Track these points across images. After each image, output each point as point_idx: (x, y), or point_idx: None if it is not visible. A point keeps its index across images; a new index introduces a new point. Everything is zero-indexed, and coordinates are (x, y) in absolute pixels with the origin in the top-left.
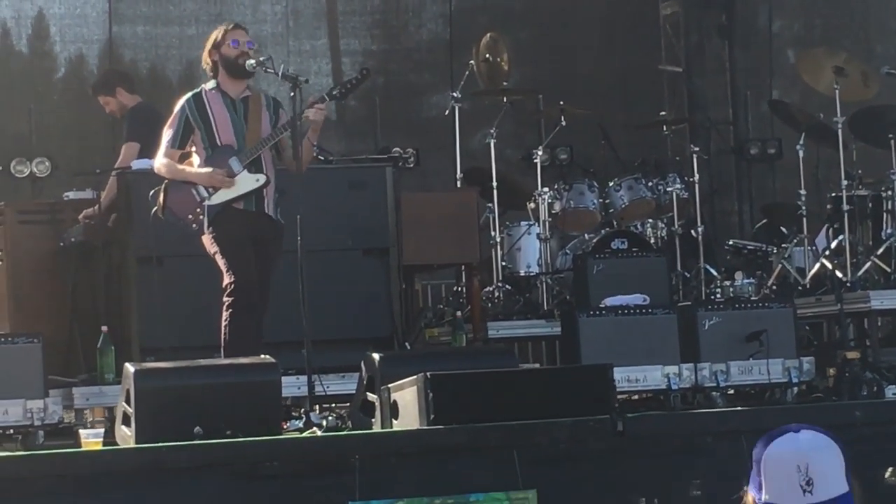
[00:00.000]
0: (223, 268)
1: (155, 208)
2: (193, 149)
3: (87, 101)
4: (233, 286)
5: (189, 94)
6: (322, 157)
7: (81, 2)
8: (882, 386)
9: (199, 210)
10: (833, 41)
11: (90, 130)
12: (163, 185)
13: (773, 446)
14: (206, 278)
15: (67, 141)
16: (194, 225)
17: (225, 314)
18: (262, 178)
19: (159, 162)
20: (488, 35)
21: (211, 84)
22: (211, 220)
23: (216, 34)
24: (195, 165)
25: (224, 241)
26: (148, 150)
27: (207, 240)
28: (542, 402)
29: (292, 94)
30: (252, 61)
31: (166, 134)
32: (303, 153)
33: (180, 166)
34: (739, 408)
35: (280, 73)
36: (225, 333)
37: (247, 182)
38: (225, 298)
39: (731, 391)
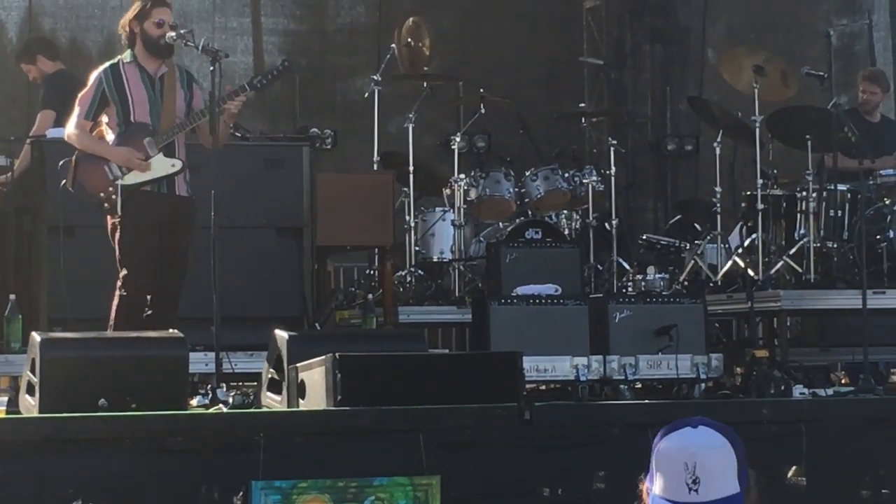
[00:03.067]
0: (118, 257)
1: (64, 181)
2: (105, 120)
3: (3, 68)
4: (123, 281)
5: (106, 65)
6: (239, 135)
7: None
8: (790, 385)
9: (111, 189)
10: (755, 41)
11: (6, 97)
12: (73, 157)
13: (667, 440)
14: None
15: None
16: (106, 204)
17: (115, 302)
18: (177, 164)
19: (71, 131)
20: (411, 20)
21: (128, 56)
22: (122, 201)
23: (141, 4)
24: (106, 138)
25: (126, 232)
26: (63, 118)
27: (112, 222)
28: (450, 388)
29: (212, 68)
30: (172, 34)
31: (80, 104)
32: (219, 132)
33: (95, 140)
34: (647, 401)
35: (200, 47)
36: (112, 319)
37: (162, 166)
38: (117, 290)
39: (639, 385)
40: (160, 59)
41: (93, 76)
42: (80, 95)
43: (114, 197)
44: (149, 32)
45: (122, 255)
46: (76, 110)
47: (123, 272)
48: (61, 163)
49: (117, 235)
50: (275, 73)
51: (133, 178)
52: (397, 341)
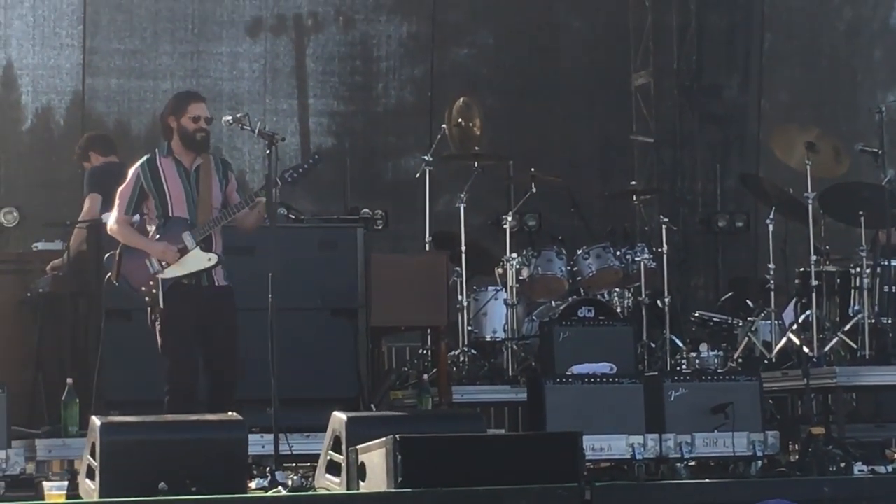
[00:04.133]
0: (161, 350)
1: (109, 274)
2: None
3: (55, 152)
4: (169, 373)
5: (143, 160)
6: (293, 216)
7: (55, 53)
8: (851, 463)
9: (152, 283)
10: (801, 117)
11: (58, 181)
12: (118, 251)
13: None
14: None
15: (35, 191)
16: (147, 298)
17: (166, 397)
18: (213, 258)
19: (112, 225)
20: (461, 99)
21: (164, 149)
22: (164, 295)
23: (176, 100)
24: (149, 232)
25: (166, 324)
26: (110, 202)
27: (151, 316)
28: (510, 468)
29: (268, 151)
30: (229, 117)
31: (120, 198)
32: (251, 221)
33: (135, 233)
34: (706, 480)
35: (256, 131)
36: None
37: (199, 260)
38: (165, 385)
39: (694, 463)
40: (196, 154)
41: (131, 171)
42: (119, 190)
43: (154, 291)
44: (185, 127)
45: (163, 347)
46: (116, 204)
47: (168, 364)
48: (107, 255)
49: (157, 327)
50: (306, 167)
51: (172, 271)
52: (455, 422)
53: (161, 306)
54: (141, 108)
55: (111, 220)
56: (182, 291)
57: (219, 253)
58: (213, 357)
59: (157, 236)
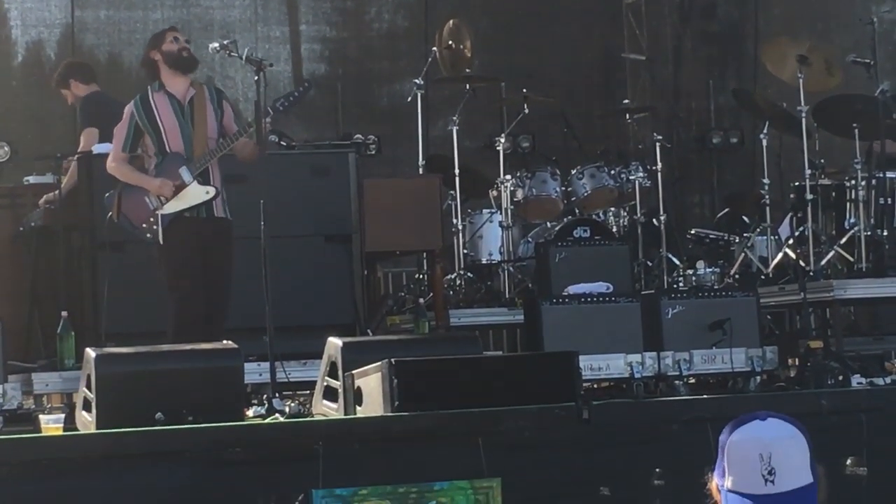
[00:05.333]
0: (168, 285)
1: (110, 213)
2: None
3: (47, 87)
4: (175, 311)
5: (136, 98)
6: (284, 143)
7: None
8: (848, 375)
9: (152, 220)
10: (793, 31)
11: (50, 115)
12: (118, 190)
13: (738, 433)
14: (157, 267)
15: (27, 125)
16: (149, 234)
17: (170, 331)
18: (211, 191)
19: (110, 164)
20: (451, 22)
21: (156, 85)
22: (164, 230)
23: (153, 37)
24: (147, 166)
25: (171, 259)
26: (106, 135)
27: (159, 252)
28: (507, 390)
29: (256, 78)
30: (216, 44)
31: (116, 137)
32: (249, 150)
33: (133, 170)
34: (704, 396)
35: (244, 57)
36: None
37: (197, 194)
38: (169, 316)
39: (693, 380)
40: (186, 75)
41: (126, 110)
42: (116, 128)
43: (155, 227)
44: (169, 51)
45: (170, 282)
46: (114, 143)
47: (172, 297)
48: (107, 194)
49: (164, 265)
50: (296, 95)
51: (171, 206)
52: (452, 345)
53: (161, 242)
54: (132, 38)
55: (109, 158)
56: (183, 225)
57: (217, 185)
58: (208, 286)
59: (155, 174)
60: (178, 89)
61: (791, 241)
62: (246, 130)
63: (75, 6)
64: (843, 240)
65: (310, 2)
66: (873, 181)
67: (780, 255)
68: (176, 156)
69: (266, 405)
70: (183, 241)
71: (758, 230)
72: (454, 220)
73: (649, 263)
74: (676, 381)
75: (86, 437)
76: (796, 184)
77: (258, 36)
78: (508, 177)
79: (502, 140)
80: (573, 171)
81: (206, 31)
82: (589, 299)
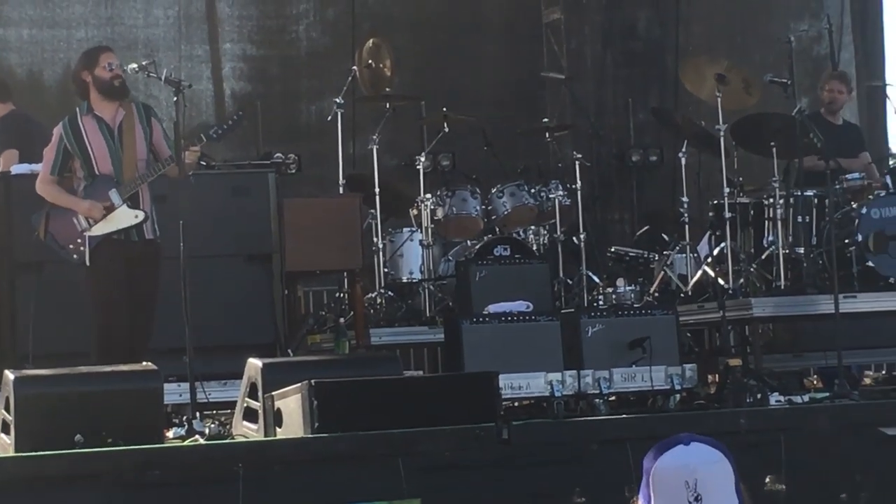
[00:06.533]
0: (91, 308)
1: (36, 232)
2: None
3: None
4: (97, 334)
5: (65, 120)
6: (204, 163)
7: None
8: (766, 393)
9: (80, 241)
10: (713, 49)
11: None
12: (45, 209)
13: (663, 459)
14: (82, 288)
15: None
16: (75, 255)
17: (92, 353)
18: (140, 215)
19: (40, 185)
20: (371, 41)
21: (84, 108)
22: (91, 251)
23: (85, 54)
24: (76, 188)
25: (97, 282)
26: (26, 155)
27: (84, 273)
28: (427, 410)
29: (175, 98)
30: (135, 65)
31: (45, 159)
32: (175, 170)
33: (61, 191)
34: (624, 415)
35: (163, 78)
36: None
37: (126, 217)
38: (92, 337)
39: (613, 398)
40: (116, 102)
41: (54, 131)
42: (45, 150)
43: (82, 248)
44: (100, 77)
45: (95, 304)
46: (43, 165)
47: (97, 322)
48: (34, 214)
49: (89, 288)
50: (230, 124)
51: (100, 228)
52: (372, 365)
53: (87, 263)
54: (54, 58)
55: (38, 179)
56: (111, 247)
57: (146, 209)
58: (132, 308)
59: (84, 196)
60: (107, 113)
61: (710, 259)
62: (171, 160)
63: None
64: (762, 257)
65: (234, 20)
66: (791, 199)
67: (699, 273)
68: (106, 178)
69: (186, 426)
70: (109, 263)
71: (677, 248)
72: (374, 239)
73: (569, 281)
74: (596, 400)
75: (4, 461)
76: (715, 202)
77: (182, 55)
78: (429, 195)
79: (422, 159)
80: (493, 190)
81: (130, 50)
82: (509, 318)
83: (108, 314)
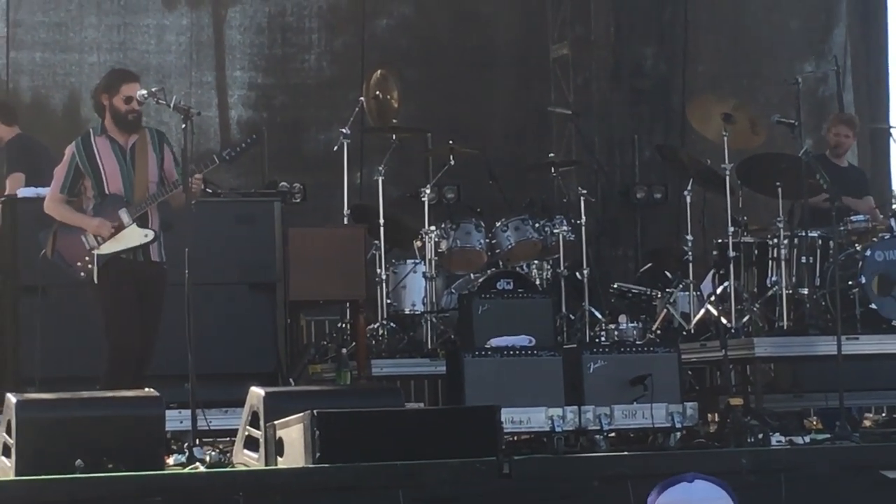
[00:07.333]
0: (103, 327)
1: (44, 251)
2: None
3: None
4: (110, 352)
5: (78, 140)
6: (210, 191)
7: None
8: (768, 434)
9: (87, 259)
10: (719, 88)
11: None
12: (53, 228)
13: (666, 496)
14: (91, 308)
15: None
16: (82, 273)
17: (103, 372)
18: (150, 235)
19: (48, 203)
20: (378, 72)
21: (98, 128)
22: (99, 270)
23: (110, 78)
24: (86, 207)
25: (108, 300)
26: (32, 179)
27: (94, 293)
28: (428, 443)
29: (184, 126)
30: (144, 92)
31: (56, 177)
32: (179, 200)
33: (70, 210)
34: (626, 452)
35: (172, 105)
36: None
37: (135, 236)
38: (104, 356)
39: (613, 434)
40: (128, 134)
41: (67, 150)
42: (56, 169)
43: (90, 266)
44: (117, 107)
45: (107, 323)
46: (53, 183)
47: (108, 342)
48: (42, 232)
49: (99, 305)
50: (243, 146)
51: (108, 247)
52: (374, 396)
53: (95, 282)
54: (65, 81)
55: (47, 198)
56: (119, 266)
57: (155, 229)
58: (141, 329)
59: (93, 214)
60: (120, 136)
61: (713, 298)
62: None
63: (11, 48)
64: (765, 297)
65: (244, 48)
66: (795, 240)
67: (701, 312)
68: (116, 197)
69: (187, 454)
70: (118, 281)
71: (680, 286)
72: (378, 270)
73: (572, 317)
74: (597, 436)
75: (4, 484)
76: (719, 241)
77: (192, 81)
78: (433, 227)
79: (427, 191)
80: (498, 224)
81: (143, 76)
82: (511, 352)
83: (121, 332)
